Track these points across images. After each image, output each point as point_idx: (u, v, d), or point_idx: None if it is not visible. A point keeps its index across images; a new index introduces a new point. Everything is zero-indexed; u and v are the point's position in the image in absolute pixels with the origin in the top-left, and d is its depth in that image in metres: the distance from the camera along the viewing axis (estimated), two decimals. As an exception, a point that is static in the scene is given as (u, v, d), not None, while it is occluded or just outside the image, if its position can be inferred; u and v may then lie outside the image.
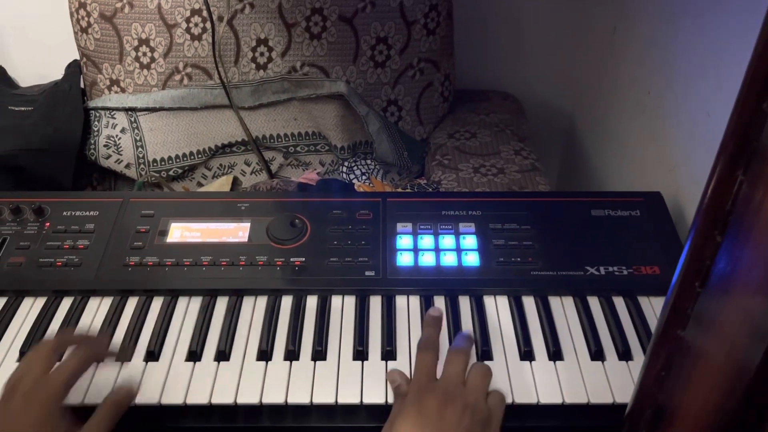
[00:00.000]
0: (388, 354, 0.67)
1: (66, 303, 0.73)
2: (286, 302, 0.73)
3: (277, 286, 0.73)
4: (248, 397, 0.63)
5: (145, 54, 1.10)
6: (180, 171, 1.11)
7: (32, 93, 1.16)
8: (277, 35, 1.08)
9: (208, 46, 1.08)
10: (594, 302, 0.73)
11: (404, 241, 0.77)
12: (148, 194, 1.03)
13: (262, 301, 0.73)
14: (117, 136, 1.10)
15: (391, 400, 0.63)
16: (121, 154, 1.09)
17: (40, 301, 0.73)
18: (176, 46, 1.09)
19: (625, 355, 0.67)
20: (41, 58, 1.26)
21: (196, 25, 1.07)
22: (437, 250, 0.76)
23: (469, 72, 1.30)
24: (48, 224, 0.79)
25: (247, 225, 0.79)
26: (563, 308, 0.72)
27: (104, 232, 0.78)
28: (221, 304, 0.72)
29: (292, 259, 0.75)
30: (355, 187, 1.07)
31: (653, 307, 0.72)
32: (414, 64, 1.14)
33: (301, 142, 1.16)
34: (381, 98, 1.16)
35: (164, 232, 0.78)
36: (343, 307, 0.72)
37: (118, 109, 1.11)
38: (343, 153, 1.14)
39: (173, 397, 0.63)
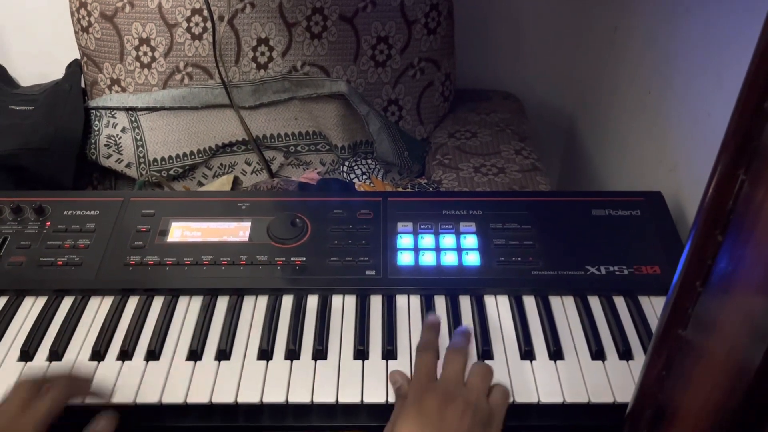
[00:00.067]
0: (389, 353, 0.67)
1: (66, 302, 0.73)
2: (287, 302, 0.73)
3: (277, 286, 0.73)
4: (249, 396, 0.63)
5: (145, 53, 1.10)
6: (180, 170, 1.11)
7: (33, 92, 1.16)
8: (278, 35, 1.08)
9: (208, 46, 1.08)
10: (594, 302, 0.73)
11: (405, 240, 0.77)
12: (149, 194, 1.03)
13: (262, 301, 0.73)
14: (117, 135, 1.10)
15: (391, 399, 0.63)
16: (121, 154, 1.09)
17: (41, 301, 0.73)
18: (177, 45, 1.09)
19: (625, 354, 0.67)
20: (42, 58, 1.26)
21: (196, 24, 1.07)
22: (438, 249, 0.76)
23: (469, 71, 1.30)
24: (49, 224, 0.79)
25: (248, 224, 0.79)
26: (564, 308, 0.72)
27: (105, 232, 0.78)
28: (222, 304, 0.72)
29: (292, 259, 0.75)
30: (356, 187, 1.07)
31: (654, 307, 0.72)
32: (415, 63, 1.14)
33: (302, 142, 1.15)
34: (382, 98, 1.16)
35: (165, 232, 0.78)
36: (344, 306, 0.72)
37: (118, 109, 1.11)
38: (343, 152, 1.14)
39: (174, 396, 0.63)
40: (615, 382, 0.64)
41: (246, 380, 0.64)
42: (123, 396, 0.63)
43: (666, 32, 0.93)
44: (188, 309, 0.72)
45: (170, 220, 0.79)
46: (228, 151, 1.15)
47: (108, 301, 0.73)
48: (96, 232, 0.78)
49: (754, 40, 0.36)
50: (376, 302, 0.73)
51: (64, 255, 0.75)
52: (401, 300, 0.73)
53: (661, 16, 0.95)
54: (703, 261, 0.42)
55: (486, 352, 0.67)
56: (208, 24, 1.06)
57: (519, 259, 0.75)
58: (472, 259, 0.75)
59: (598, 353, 0.67)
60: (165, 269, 0.74)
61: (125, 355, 0.67)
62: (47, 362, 0.66)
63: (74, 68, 1.18)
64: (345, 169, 1.15)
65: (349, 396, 0.63)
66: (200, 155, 1.12)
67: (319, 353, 0.67)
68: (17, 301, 0.73)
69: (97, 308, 0.72)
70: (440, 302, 0.73)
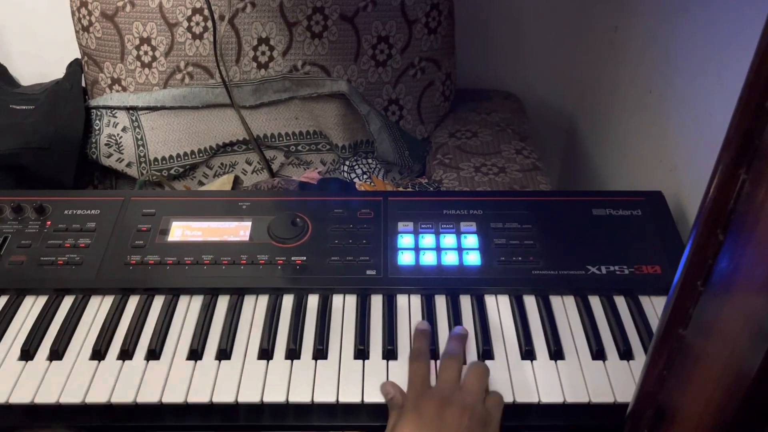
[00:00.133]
0: (389, 353, 0.67)
1: (67, 302, 0.73)
2: (287, 301, 0.73)
3: (278, 285, 0.73)
4: (249, 396, 0.63)
5: (146, 53, 1.10)
6: (181, 170, 1.11)
7: (33, 92, 1.16)
8: (279, 34, 1.08)
9: (209, 45, 1.08)
10: (595, 301, 0.73)
11: (405, 240, 0.77)
12: (150, 193, 1.03)
13: (263, 300, 0.73)
14: (118, 134, 1.10)
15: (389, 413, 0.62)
16: (122, 153, 1.09)
17: (41, 300, 0.73)
18: (177, 45, 1.09)
19: (626, 354, 0.67)
20: (43, 57, 1.26)
21: (197, 24, 1.07)
22: (438, 249, 0.76)
23: (470, 71, 1.30)
24: (49, 223, 0.79)
25: (249, 224, 0.79)
26: (564, 307, 0.72)
27: (105, 231, 0.78)
28: (222, 303, 0.72)
29: (293, 258, 0.75)
30: (356, 186, 1.07)
31: (654, 307, 0.72)
32: (415, 63, 1.14)
33: (302, 141, 1.15)
34: (382, 97, 1.16)
35: (165, 231, 0.78)
36: (345, 306, 0.72)
37: (119, 108, 1.11)
38: (344, 152, 1.14)
39: (174, 395, 0.63)
40: (615, 382, 0.64)
41: (246, 380, 0.64)
42: (123, 395, 0.63)
43: (666, 32, 0.93)
44: (189, 308, 0.72)
45: (171, 219, 0.79)
46: (229, 151, 1.14)
47: (108, 301, 0.73)
48: (96, 232, 0.78)
49: (755, 39, 0.36)
50: (376, 302, 0.73)
51: (64, 254, 0.75)
52: (402, 299, 0.73)
53: (661, 15, 0.95)
54: (704, 261, 0.42)
55: (486, 352, 0.67)
56: (209, 23, 1.06)
57: (519, 258, 0.75)
58: (473, 258, 0.75)
59: (598, 353, 0.67)
60: (165, 269, 0.74)
61: (126, 354, 0.67)
62: (47, 362, 0.66)
63: (75, 67, 1.18)
64: (345, 168, 1.15)
65: (350, 396, 0.63)
66: (201, 155, 1.12)
67: (320, 353, 0.67)
68: (18, 301, 0.73)
69: (98, 308, 0.72)
70: (441, 302, 0.73)
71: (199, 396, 0.63)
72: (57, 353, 0.67)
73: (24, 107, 1.10)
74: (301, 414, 0.63)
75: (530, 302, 0.73)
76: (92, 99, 1.15)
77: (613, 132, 1.15)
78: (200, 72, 1.11)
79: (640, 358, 0.67)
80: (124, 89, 1.13)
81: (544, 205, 0.82)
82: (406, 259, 0.76)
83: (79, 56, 1.16)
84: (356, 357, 0.67)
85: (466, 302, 0.72)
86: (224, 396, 0.63)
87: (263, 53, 1.10)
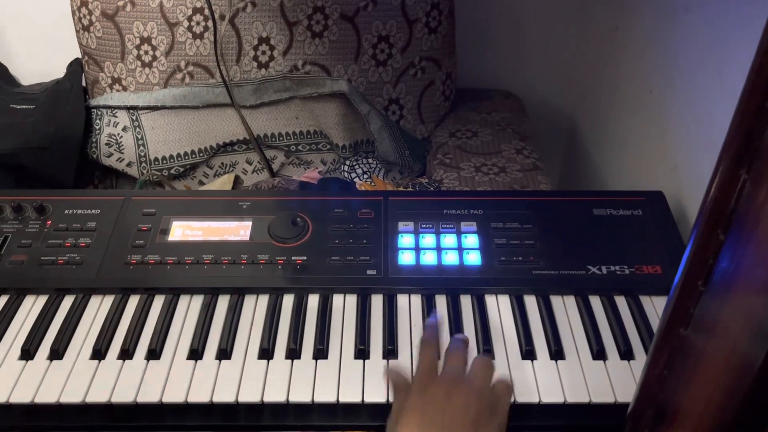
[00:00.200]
0: (390, 353, 0.67)
1: (67, 301, 0.73)
2: (288, 301, 0.73)
3: (278, 285, 0.73)
4: (250, 395, 0.63)
5: (146, 52, 1.10)
6: (181, 169, 1.11)
7: (34, 91, 1.16)
8: (279, 34, 1.08)
9: (209, 45, 1.08)
10: (596, 301, 0.73)
11: (406, 239, 0.77)
12: (150, 193, 1.03)
13: (263, 300, 0.73)
14: (119, 134, 1.10)
15: (392, 399, 0.63)
16: (122, 153, 1.09)
17: (42, 300, 0.73)
18: (178, 44, 1.08)
19: (626, 354, 0.67)
20: (43, 57, 1.26)
21: (197, 23, 1.07)
22: (439, 249, 0.76)
23: (470, 71, 1.30)
24: (49, 222, 0.79)
25: (249, 224, 0.79)
26: (565, 307, 0.72)
27: (106, 231, 0.78)
28: (223, 303, 0.72)
29: (293, 258, 0.75)
30: (357, 186, 1.07)
31: (655, 307, 0.72)
32: (415, 62, 1.14)
33: (303, 141, 1.15)
34: (382, 97, 1.16)
35: (166, 231, 0.78)
36: (345, 305, 0.72)
37: (119, 108, 1.11)
38: (344, 152, 1.14)
39: (175, 395, 0.63)
40: (616, 381, 0.64)
41: (247, 379, 0.64)
42: (123, 395, 0.63)
43: (667, 31, 0.93)
44: (189, 308, 0.72)
45: (171, 219, 0.79)
46: (229, 150, 1.14)
47: (109, 300, 0.73)
48: (97, 231, 0.78)
49: (756, 38, 0.36)
50: (377, 301, 0.73)
51: (64, 254, 0.75)
52: (402, 299, 0.73)
53: (661, 15, 0.95)
54: (705, 260, 0.42)
55: (487, 352, 0.67)
56: (209, 23, 1.06)
57: (520, 258, 0.75)
58: (473, 258, 0.75)
59: (599, 353, 0.67)
60: (166, 268, 0.74)
61: (126, 354, 0.67)
62: (48, 361, 0.66)
63: (75, 67, 1.18)
64: (346, 168, 1.15)
65: (350, 395, 0.63)
66: (201, 154, 1.12)
67: (320, 352, 0.67)
68: (18, 300, 0.73)
69: (98, 307, 0.72)
70: (441, 302, 0.73)
71: (200, 396, 0.63)
72: (57, 353, 0.67)
73: (24, 107, 1.09)
74: (302, 414, 0.63)
75: (531, 302, 0.73)
76: (93, 98, 1.15)
77: (614, 132, 1.15)
78: (201, 71, 1.11)
79: (640, 358, 0.67)
80: (125, 89, 1.13)
81: (545, 204, 0.82)
82: (406, 258, 0.75)
83: (80, 56, 1.16)
84: (357, 357, 0.67)
85: (466, 302, 0.72)
86: (224, 396, 0.63)
87: (264, 53, 1.10)
